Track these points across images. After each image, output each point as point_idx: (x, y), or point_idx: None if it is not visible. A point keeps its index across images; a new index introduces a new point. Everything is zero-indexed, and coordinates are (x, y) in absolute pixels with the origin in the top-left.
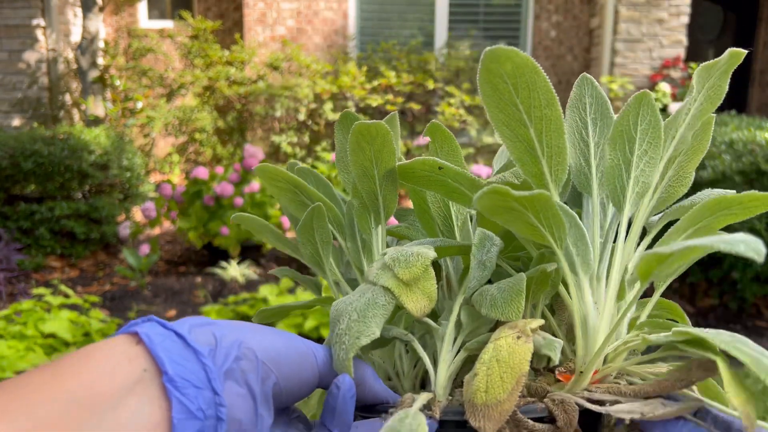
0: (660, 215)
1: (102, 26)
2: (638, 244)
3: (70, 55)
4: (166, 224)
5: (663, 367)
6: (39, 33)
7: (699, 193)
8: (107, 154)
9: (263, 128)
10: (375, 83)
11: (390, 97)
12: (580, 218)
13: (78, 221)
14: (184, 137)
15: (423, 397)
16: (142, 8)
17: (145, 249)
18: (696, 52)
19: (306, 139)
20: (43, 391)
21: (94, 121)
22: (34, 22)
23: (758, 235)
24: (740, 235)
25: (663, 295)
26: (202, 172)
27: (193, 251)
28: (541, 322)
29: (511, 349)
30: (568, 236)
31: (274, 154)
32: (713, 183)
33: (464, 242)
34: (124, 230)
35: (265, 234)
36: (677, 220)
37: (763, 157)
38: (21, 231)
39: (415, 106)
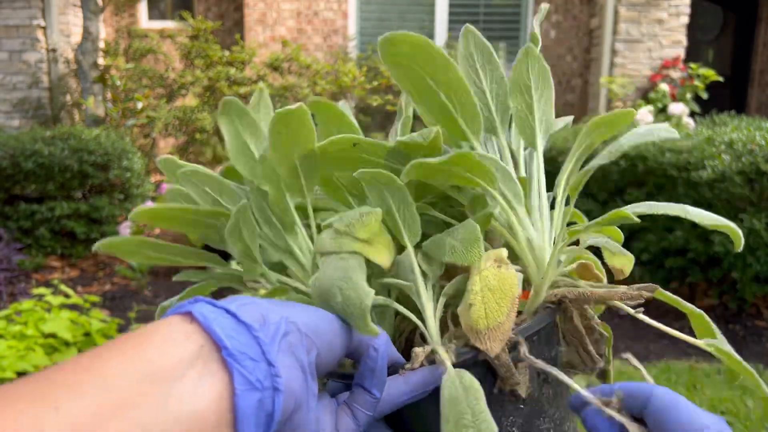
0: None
1: (102, 26)
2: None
3: (71, 55)
4: None
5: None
6: (39, 33)
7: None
8: (107, 155)
9: None
10: (375, 83)
11: (390, 97)
12: None
13: (78, 221)
14: (185, 137)
15: (443, 353)
16: (143, 8)
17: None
18: (696, 52)
19: None
20: (110, 367)
21: (94, 122)
22: (35, 22)
23: (758, 235)
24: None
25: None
26: None
27: None
28: (506, 251)
29: (500, 277)
30: (498, 180)
31: None
32: (713, 183)
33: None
34: (125, 230)
35: (140, 253)
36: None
37: (763, 157)
38: (21, 231)
39: None
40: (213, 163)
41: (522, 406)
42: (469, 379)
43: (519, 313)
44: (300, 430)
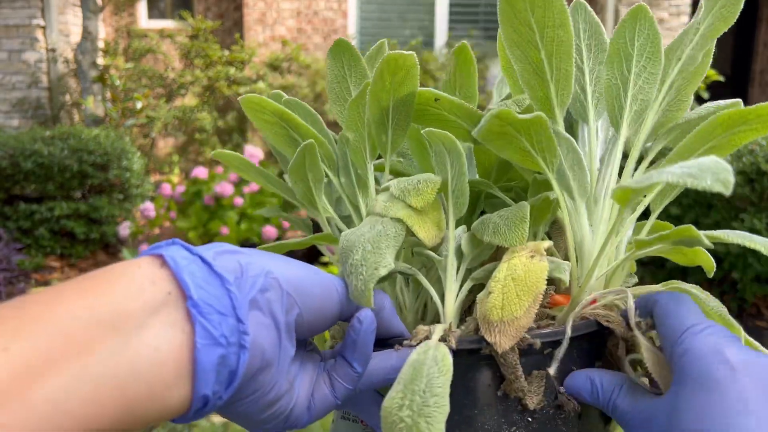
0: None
1: (102, 26)
2: (636, 168)
3: (70, 55)
4: (166, 224)
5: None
6: (39, 33)
7: (698, 108)
8: (107, 154)
9: None
10: None
11: None
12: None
13: (78, 221)
14: (184, 137)
15: (439, 329)
16: (142, 8)
17: (144, 249)
18: None
19: None
20: (68, 307)
21: (93, 122)
22: (34, 21)
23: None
24: (709, 162)
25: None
26: (201, 172)
27: None
28: (550, 243)
29: (527, 268)
30: (564, 161)
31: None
32: None
33: (472, 179)
34: (124, 230)
35: (250, 172)
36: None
37: (763, 157)
38: (21, 231)
39: None
40: (212, 162)
41: (530, 419)
42: (444, 353)
43: (552, 318)
44: (264, 390)
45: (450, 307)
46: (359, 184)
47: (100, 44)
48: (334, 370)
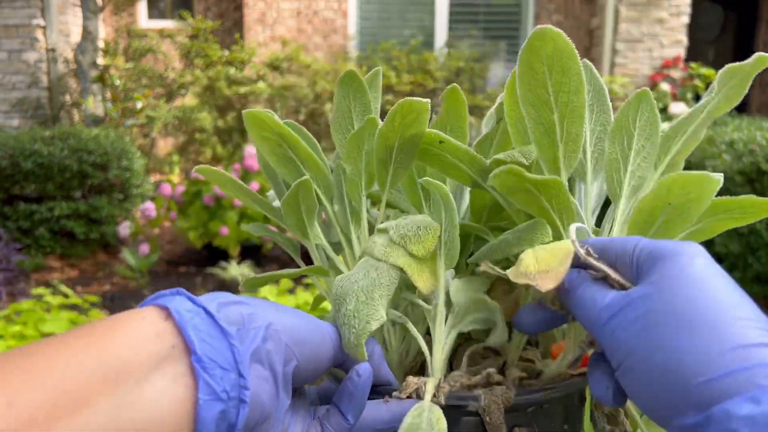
0: None
1: (102, 26)
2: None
3: (70, 55)
4: (166, 224)
5: None
6: (38, 33)
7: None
8: (107, 154)
9: None
10: None
11: (390, 97)
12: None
13: (78, 221)
14: (184, 137)
15: (431, 386)
16: (142, 8)
17: (144, 249)
18: (696, 51)
19: None
20: (69, 359)
21: (93, 121)
22: (34, 21)
23: (758, 235)
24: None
25: None
26: None
27: (193, 251)
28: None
29: (552, 245)
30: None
31: None
32: None
33: (465, 222)
34: (124, 230)
35: (232, 189)
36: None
37: (763, 157)
38: (21, 231)
39: None
40: (212, 163)
41: None
42: (439, 416)
43: (538, 375)
44: None
45: (438, 357)
46: (352, 215)
47: (100, 44)
48: (326, 419)
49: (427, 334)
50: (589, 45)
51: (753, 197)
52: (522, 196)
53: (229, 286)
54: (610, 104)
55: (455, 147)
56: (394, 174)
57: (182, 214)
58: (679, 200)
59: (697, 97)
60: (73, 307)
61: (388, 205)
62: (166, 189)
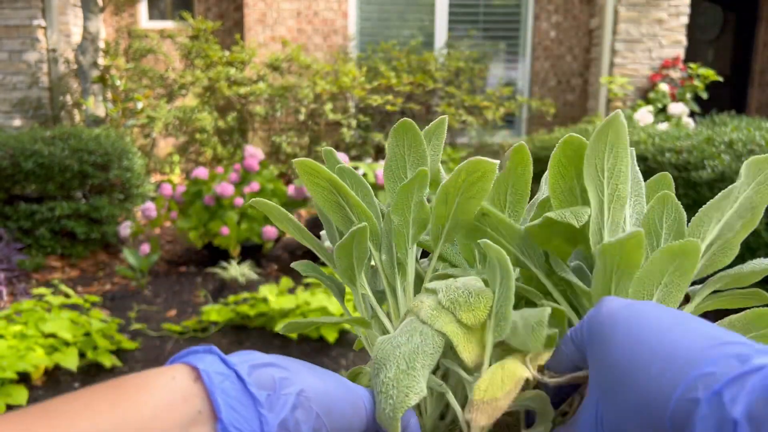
0: (704, 283)
1: (102, 26)
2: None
3: (71, 55)
4: (167, 224)
5: None
6: (39, 33)
7: (748, 263)
8: (108, 155)
9: (263, 128)
10: (375, 83)
11: (390, 97)
12: None
13: (78, 221)
14: (185, 137)
15: None
16: (143, 8)
17: (145, 249)
18: (695, 52)
19: (306, 139)
20: (92, 420)
21: (94, 122)
22: (35, 22)
23: (758, 236)
24: None
25: None
26: (202, 172)
27: (193, 251)
28: (547, 356)
29: (514, 363)
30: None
31: (275, 154)
32: (713, 183)
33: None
34: (125, 230)
35: (286, 223)
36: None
37: None
38: (21, 231)
39: (415, 107)
40: (212, 163)
41: None
42: None
43: None
44: None
45: None
46: (399, 267)
47: (101, 45)
48: None
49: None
50: (589, 45)
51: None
52: (564, 249)
53: (229, 286)
54: (627, 175)
55: (498, 220)
56: (450, 229)
57: (183, 214)
58: (669, 277)
59: (697, 98)
60: (74, 307)
61: (440, 258)
62: (167, 189)
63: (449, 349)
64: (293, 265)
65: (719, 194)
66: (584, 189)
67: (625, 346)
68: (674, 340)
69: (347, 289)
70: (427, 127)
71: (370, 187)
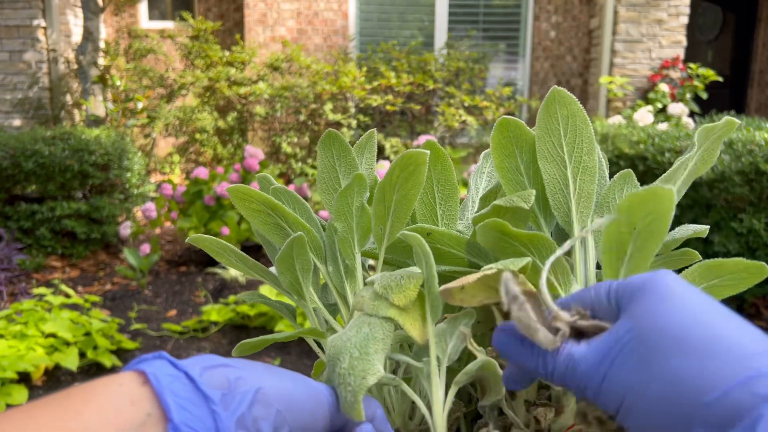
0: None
1: (102, 27)
2: None
3: (71, 55)
4: (167, 224)
5: None
6: (39, 33)
7: (676, 230)
8: (108, 155)
9: (263, 128)
10: (375, 84)
11: (390, 97)
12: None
13: (79, 221)
14: (185, 137)
15: None
16: (143, 9)
17: (145, 249)
18: (695, 52)
19: (306, 139)
20: (40, 429)
21: (94, 122)
22: (35, 22)
23: (757, 235)
24: None
25: None
26: (202, 173)
27: (193, 251)
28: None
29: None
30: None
31: (275, 154)
32: (712, 183)
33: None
34: (125, 230)
35: (226, 256)
36: None
37: (763, 157)
38: (22, 231)
39: (415, 107)
40: (213, 163)
41: None
42: None
43: None
44: None
45: (439, 418)
46: (347, 274)
47: (101, 45)
48: None
49: None
50: (588, 45)
51: (743, 261)
52: (509, 250)
53: (230, 285)
54: (607, 172)
55: (442, 234)
56: (392, 228)
57: (183, 214)
58: (643, 222)
59: (696, 98)
60: (74, 307)
61: (388, 263)
62: (167, 189)
63: (397, 348)
64: (240, 296)
65: (674, 165)
66: (529, 166)
67: (683, 321)
68: (737, 327)
69: (299, 310)
70: (359, 141)
71: (308, 204)
